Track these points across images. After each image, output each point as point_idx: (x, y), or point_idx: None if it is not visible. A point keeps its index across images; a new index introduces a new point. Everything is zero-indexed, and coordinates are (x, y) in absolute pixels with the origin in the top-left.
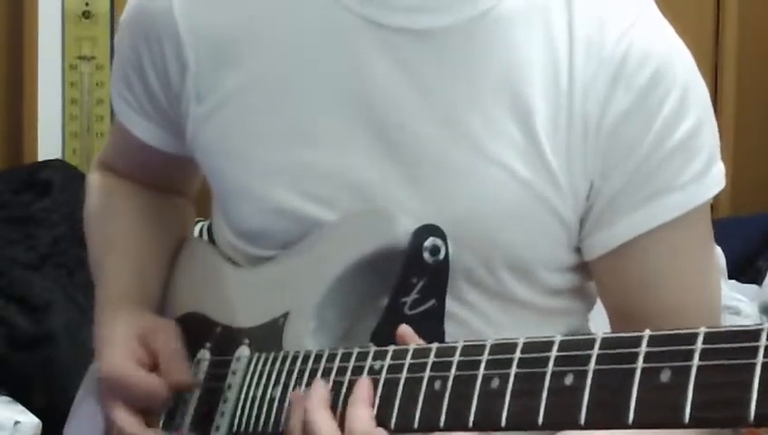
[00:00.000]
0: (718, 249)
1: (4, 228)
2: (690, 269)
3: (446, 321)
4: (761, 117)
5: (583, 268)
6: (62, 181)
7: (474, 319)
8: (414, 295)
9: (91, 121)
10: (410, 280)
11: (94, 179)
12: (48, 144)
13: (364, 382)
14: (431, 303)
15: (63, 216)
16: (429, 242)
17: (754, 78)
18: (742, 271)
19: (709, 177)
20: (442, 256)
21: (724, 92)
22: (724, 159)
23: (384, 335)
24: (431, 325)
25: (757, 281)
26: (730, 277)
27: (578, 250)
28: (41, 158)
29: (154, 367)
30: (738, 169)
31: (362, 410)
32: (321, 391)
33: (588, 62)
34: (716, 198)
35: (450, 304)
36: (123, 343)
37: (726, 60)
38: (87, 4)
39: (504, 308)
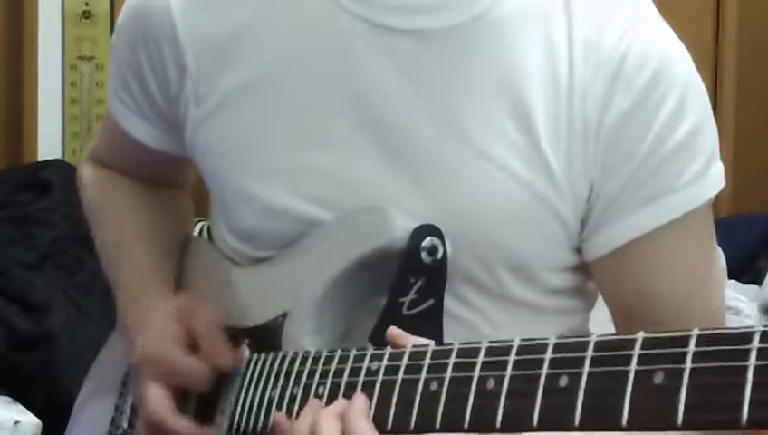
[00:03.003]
0: (718, 249)
1: (5, 228)
2: (692, 269)
3: (446, 321)
4: (761, 117)
5: (584, 268)
6: (62, 181)
7: (474, 319)
8: (412, 295)
9: (91, 121)
10: (408, 280)
11: (87, 173)
12: (48, 144)
13: (361, 398)
14: (429, 303)
15: (63, 216)
16: (427, 242)
17: (754, 78)
18: (742, 271)
19: (709, 177)
20: (440, 255)
21: (724, 92)
22: (724, 159)
23: (382, 336)
24: (429, 325)
25: (757, 281)
26: (730, 277)
27: (578, 250)
28: (41, 158)
29: (193, 347)
30: (738, 168)
31: (364, 424)
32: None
33: (587, 64)
34: (716, 197)
35: (450, 304)
36: (161, 325)
37: (726, 60)
38: (87, 4)
39: (504, 308)
